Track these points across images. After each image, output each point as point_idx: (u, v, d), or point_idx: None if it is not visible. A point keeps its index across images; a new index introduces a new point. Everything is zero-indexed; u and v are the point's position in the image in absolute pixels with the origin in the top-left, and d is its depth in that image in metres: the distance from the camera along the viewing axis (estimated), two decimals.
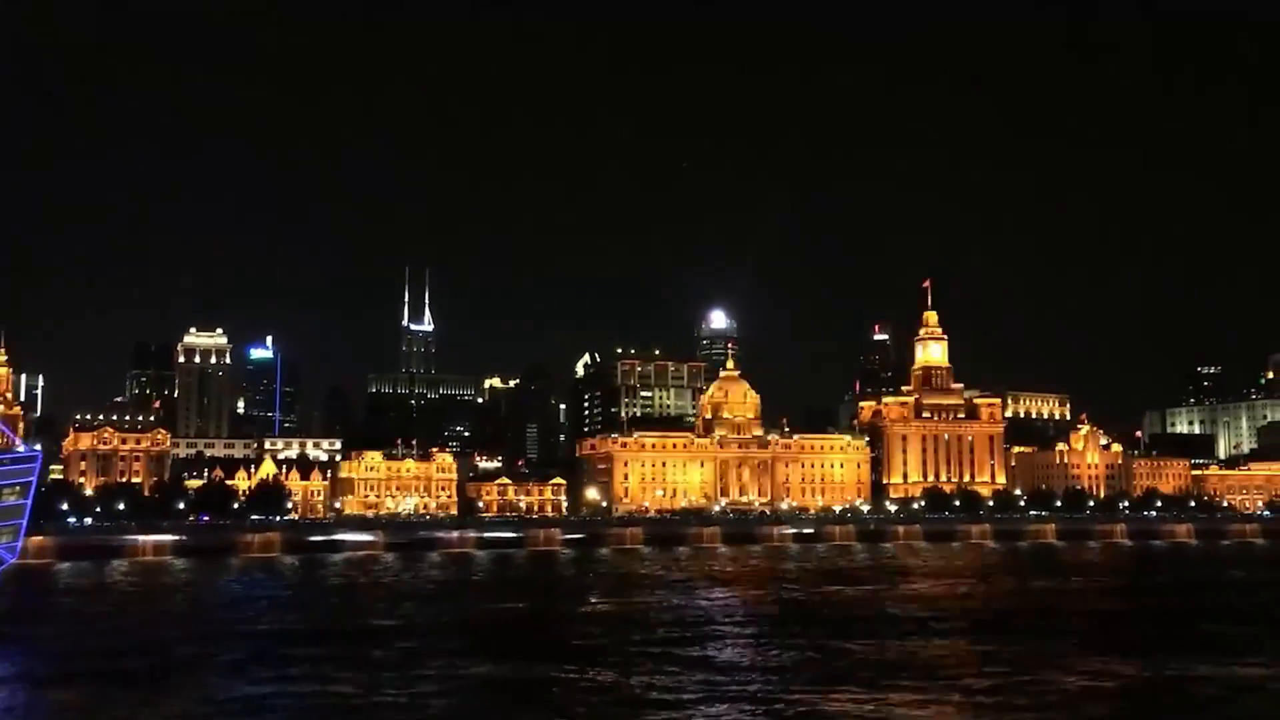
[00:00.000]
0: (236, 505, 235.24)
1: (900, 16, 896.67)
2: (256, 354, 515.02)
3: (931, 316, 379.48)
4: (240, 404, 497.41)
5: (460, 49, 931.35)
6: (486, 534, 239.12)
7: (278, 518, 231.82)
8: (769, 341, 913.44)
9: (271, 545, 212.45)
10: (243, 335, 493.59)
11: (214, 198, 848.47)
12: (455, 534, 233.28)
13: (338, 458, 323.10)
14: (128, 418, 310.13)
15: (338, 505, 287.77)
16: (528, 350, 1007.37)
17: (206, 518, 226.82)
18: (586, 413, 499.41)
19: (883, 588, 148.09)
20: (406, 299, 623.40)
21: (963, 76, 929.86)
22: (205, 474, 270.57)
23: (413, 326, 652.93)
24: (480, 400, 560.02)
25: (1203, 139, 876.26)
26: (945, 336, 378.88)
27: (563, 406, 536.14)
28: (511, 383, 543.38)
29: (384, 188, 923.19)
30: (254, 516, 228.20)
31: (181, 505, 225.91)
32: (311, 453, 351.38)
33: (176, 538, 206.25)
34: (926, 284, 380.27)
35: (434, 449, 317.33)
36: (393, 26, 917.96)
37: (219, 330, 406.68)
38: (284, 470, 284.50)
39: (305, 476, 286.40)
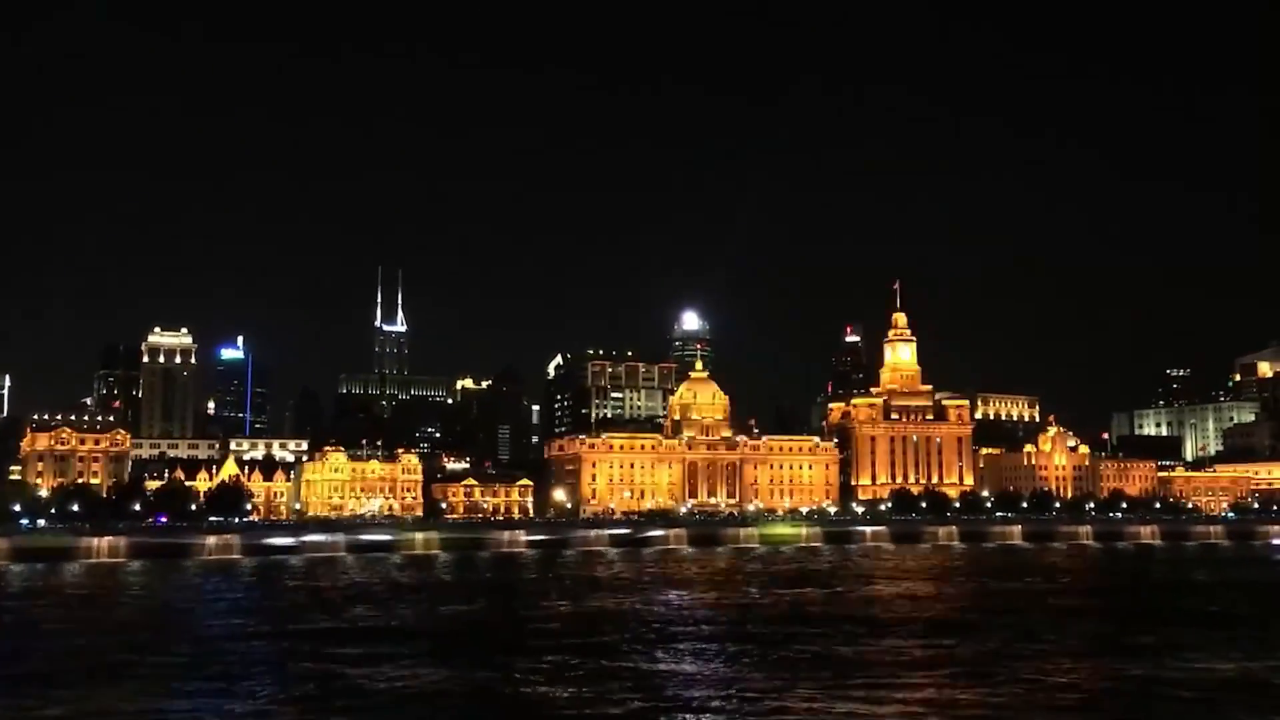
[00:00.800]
0: (195, 507, 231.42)
1: (862, 20, 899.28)
2: (227, 354, 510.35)
3: (900, 318, 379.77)
4: (211, 405, 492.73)
5: (433, 53, 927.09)
6: (448, 535, 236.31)
7: (236, 519, 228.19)
8: (744, 343, 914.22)
9: (229, 548, 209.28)
10: (215, 336, 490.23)
11: (189, 198, 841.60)
12: (417, 536, 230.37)
13: (304, 459, 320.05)
14: (86, 418, 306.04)
15: (298, 507, 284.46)
16: (502, 352, 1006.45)
17: (164, 519, 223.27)
18: (558, 414, 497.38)
19: (842, 590, 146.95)
20: (379, 300, 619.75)
21: (931, 82, 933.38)
22: (166, 475, 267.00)
23: (385, 327, 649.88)
24: (451, 401, 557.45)
25: (1171, 139, 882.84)
26: (914, 338, 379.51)
27: (535, 408, 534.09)
28: (484, 384, 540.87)
29: (359, 188, 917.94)
30: (211, 518, 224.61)
31: (137, 506, 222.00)
32: (278, 454, 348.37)
33: (131, 540, 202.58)
34: (895, 285, 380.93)
35: (400, 450, 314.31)
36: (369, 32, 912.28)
37: (184, 330, 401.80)
38: (246, 471, 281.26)
39: (268, 478, 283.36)
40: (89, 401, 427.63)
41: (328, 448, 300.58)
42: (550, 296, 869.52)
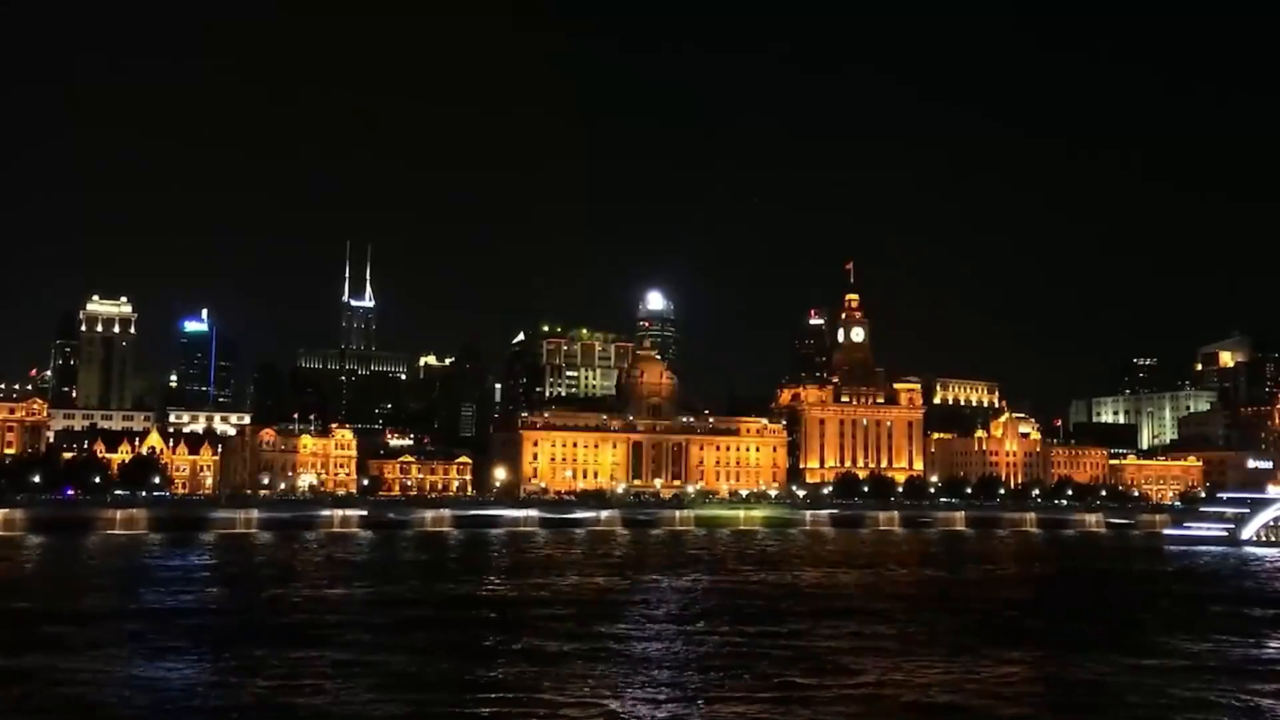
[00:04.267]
0: (101, 479, 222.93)
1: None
2: (191, 327, 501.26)
3: (853, 299, 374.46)
4: (173, 377, 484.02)
5: (401, 33, 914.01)
6: (370, 513, 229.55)
7: (144, 493, 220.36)
8: (711, 325, 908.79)
9: (135, 522, 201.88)
10: (180, 308, 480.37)
11: (162, 173, 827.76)
12: (337, 513, 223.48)
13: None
14: (16, 388, 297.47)
15: (220, 482, 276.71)
16: (473, 329, 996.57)
17: (70, 492, 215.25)
18: (516, 392, 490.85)
19: (758, 573, 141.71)
20: (347, 274, 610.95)
21: (900, 62, 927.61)
22: (87, 447, 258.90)
23: (353, 302, 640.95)
24: (409, 378, 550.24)
25: (1136, 125, 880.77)
26: (866, 319, 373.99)
27: (499, 386, 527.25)
28: (447, 360, 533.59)
29: (329, 164, 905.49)
30: (119, 492, 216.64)
31: (38, 478, 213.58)
32: (219, 427, 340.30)
33: (29, 513, 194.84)
34: (849, 265, 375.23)
35: (334, 425, 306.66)
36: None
37: (123, 299, 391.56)
38: (172, 445, 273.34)
39: (194, 451, 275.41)
40: (49, 373, 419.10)
41: (258, 422, 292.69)
42: (522, 275, 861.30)
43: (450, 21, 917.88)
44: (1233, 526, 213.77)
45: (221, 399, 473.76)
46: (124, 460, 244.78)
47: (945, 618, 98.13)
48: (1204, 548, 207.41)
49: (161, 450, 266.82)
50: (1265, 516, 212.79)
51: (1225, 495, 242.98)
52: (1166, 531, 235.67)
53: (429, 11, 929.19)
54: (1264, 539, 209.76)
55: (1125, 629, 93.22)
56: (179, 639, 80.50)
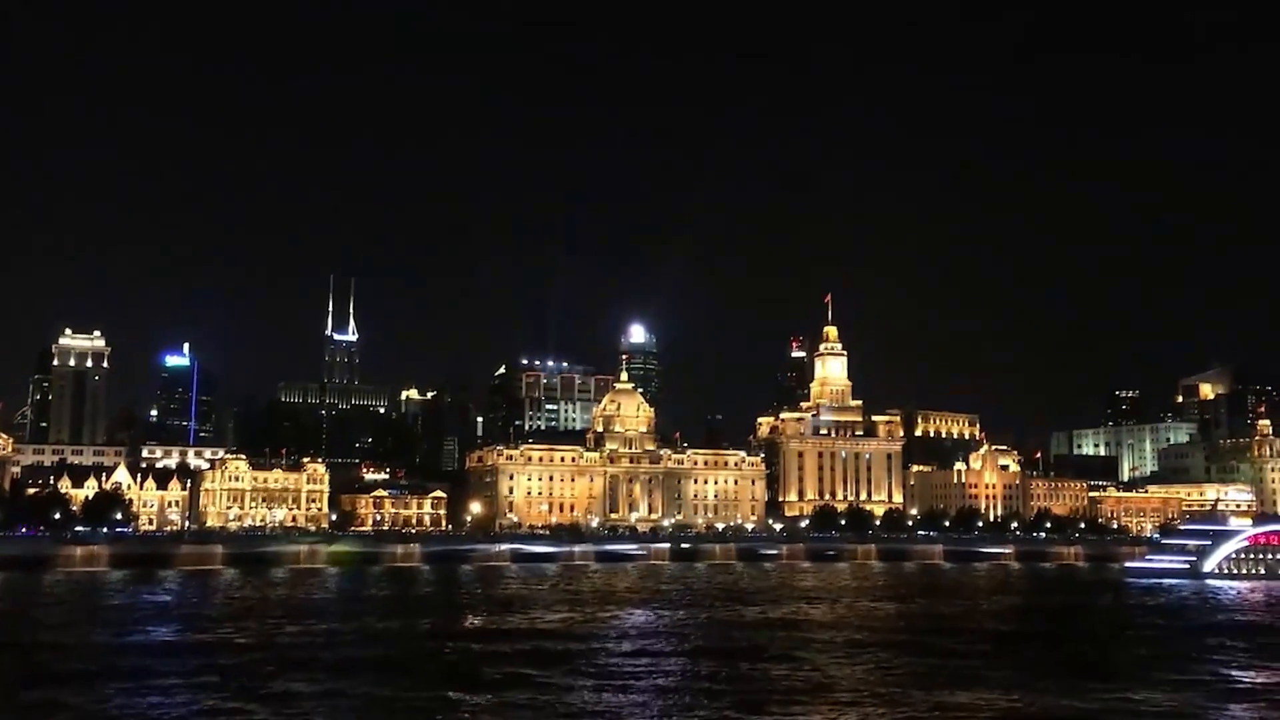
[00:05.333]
0: (62, 516, 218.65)
1: (813, 34, 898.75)
2: (172, 361, 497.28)
3: (831, 331, 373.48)
4: (154, 412, 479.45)
5: (384, 60, 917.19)
6: (340, 549, 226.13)
7: (105, 529, 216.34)
8: (695, 357, 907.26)
9: (96, 559, 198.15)
10: (161, 342, 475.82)
11: (142, 206, 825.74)
12: (302, 549, 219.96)
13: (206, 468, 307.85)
14: None
15: (187, 517, 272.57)
16: (457, 361, 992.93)
17: (26, 529, 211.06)
18: (498, 426, 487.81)
19: (726, 609, 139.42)
20: (330, 308, 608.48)
21: (887, 97, 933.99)
22: (53, 483, 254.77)
23: (336, 336, 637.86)
24: (394, 413, 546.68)
25: (1124, 152, 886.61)
26: (845, 352, 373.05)
27: (480, 419, 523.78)
28: (429, 394, 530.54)
29: (313, 196, 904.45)
30: (78, 528, 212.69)
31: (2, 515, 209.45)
32: (193, 462, 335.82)
33: None
34: (827, 299, 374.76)
35: (306, 459, 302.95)
36: (318, 32, 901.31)
37: (96, 332, 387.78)
38: (139, 480, 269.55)
39: (162, 486, 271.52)
40: (27, 408, 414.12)
41: (228, 456, 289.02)
42: (506, 308, 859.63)
43: (428, 52, 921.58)
44: (1194, 559, 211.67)
45: (203, 434, 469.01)
46: (88, 496, 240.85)
47: (903, 656, 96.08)
48: (1166, 581, 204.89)
49: (128, 486, 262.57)
50: (1227, 549, 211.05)
51: (1186, 528, 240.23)
52: (1129, 565, 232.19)
53: (416, 52, 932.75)
54: (1226, 571, 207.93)
55: (1083, 669, 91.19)
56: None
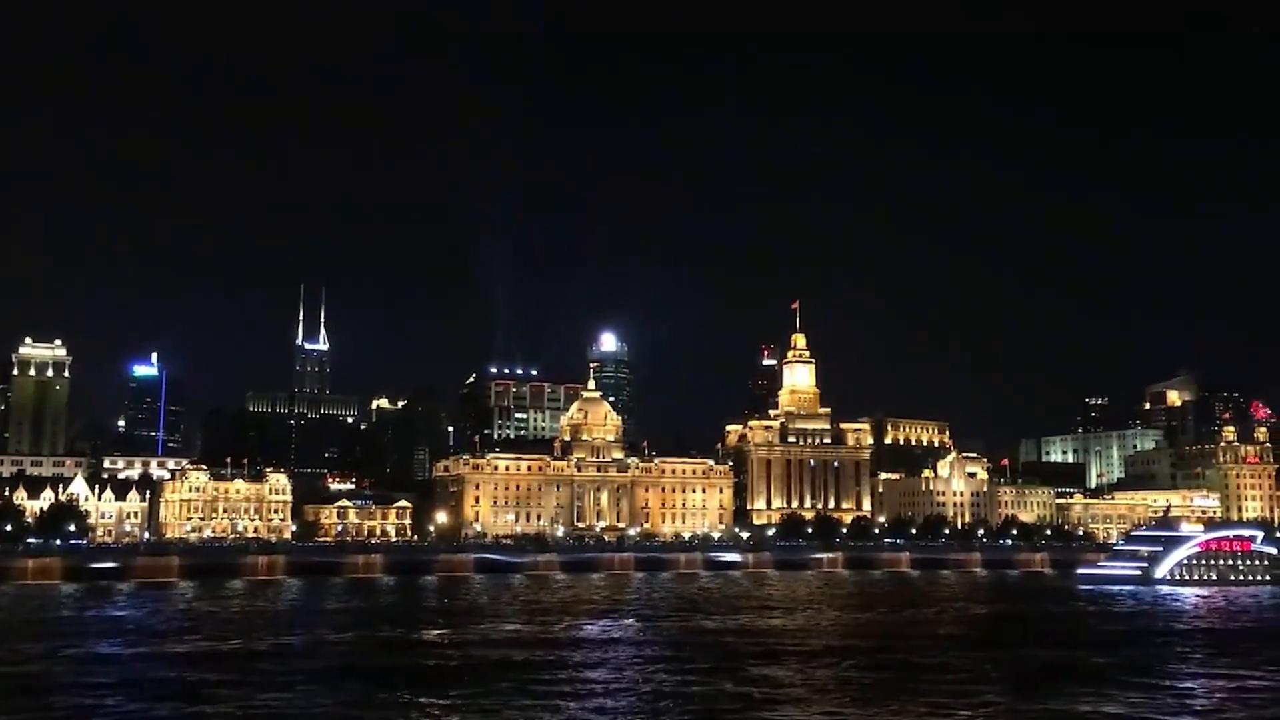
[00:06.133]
0: (15, 527, 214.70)
1: (780, 42, 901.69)
2: (141, 370, 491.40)
3: (799, 339, 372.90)
4: (121, 422, 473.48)
5: (353, 66, 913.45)
6: (298, 559, 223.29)
7: (59, 541, 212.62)
8: (666, 367, 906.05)
9: (49, 572, 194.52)
10: (130, 351, 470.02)
11: (111, 214, 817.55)
12: (260, 560, 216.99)
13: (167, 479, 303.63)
14: None
15: (146, 529, 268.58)
16: (429, 371, 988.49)
17: None
18: (467, 435, 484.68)
19: (687, 619, 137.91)
20: (301, 317, 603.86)
21: (854, 106, 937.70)
22: (8, 494, 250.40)
23: (307, 345, 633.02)
24: (364, 422, 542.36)
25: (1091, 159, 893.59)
26: (813, 360, 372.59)
27: (451, 429, 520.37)
28: (400, 403, 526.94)
29: (286, 205, 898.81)
30: (30, 540, 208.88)
31: None
32: (156, 472, 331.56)
33: None
34: (795, 306, 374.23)
35: (268, 469, 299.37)
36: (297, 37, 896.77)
37: (57, 341, 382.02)
38: (97, 491, 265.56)
39: (120, 497, 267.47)
40: None
41: (189, 466, 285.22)
42: (477, 317, 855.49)
43: (405, 60, 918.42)
44: (1146, 565, 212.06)
45: (172, 444, 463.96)
46: (43, 508, 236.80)
47: (856, 668, 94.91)
48: (1117, 588, 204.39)
49: (86, 498, 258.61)
50: (1178, 555, 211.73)
51: (1138, 534, 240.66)
52: (1081, 571, 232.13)
53: (385, 57, 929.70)
54: (1177, 578, 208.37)
55: (1029, 678, 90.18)
56: None
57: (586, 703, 74.42)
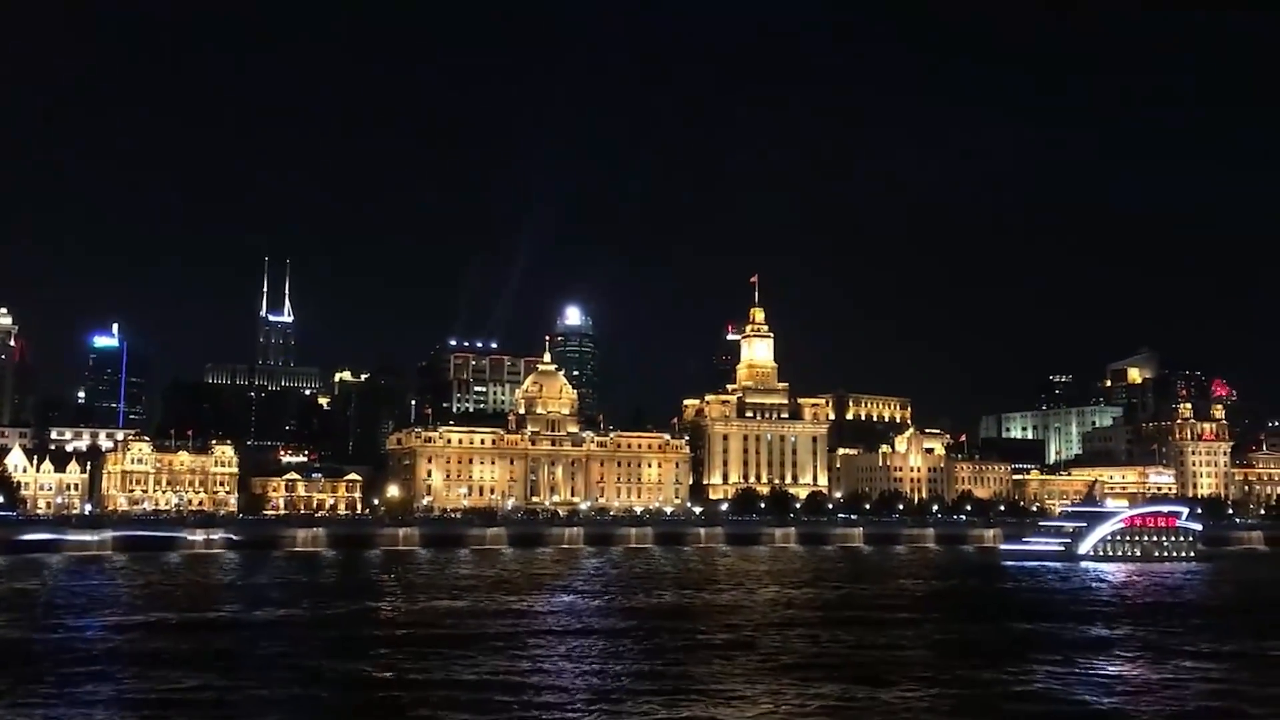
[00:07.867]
0: None
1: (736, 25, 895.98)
2: (101, 342, 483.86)
3: (758, 313, 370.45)
4: (81, 393, 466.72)
5: (323, 53, 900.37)
6: (236, 534, 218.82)
7: None
8: (632, 341, 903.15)
9: None
10: (91, 323, 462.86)
11: (78, 185, 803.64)
12: (197, 534, 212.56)
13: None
14: None
15: (88, 501, 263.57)
16: (393, 343, 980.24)
17: None
18: (426, 408, 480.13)
19: (630, 594, 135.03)
20: (265, 289, 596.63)
21: (826, 85, 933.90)
22: None
23: (271, 318, 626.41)
24: (327, 396, 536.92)
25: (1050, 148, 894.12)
26: (771, 334, 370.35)
27: (414, 402, 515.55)
28: (364, 376, 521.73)
29: (251, 177, 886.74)
30: None
31: None
32: (104, 444, 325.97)
33: None
34: (754, 280, 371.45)
35: (214, 441, 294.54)
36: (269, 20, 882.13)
37: (3, 310, 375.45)
38: (35, 462, 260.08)
39: (60, 469, 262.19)
40: None
41: (130, 438, 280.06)
42: (443, 290, 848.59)
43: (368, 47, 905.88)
44: (1069, 541, 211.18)
45: (133, 415, 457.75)
46: None
47: (780, 642, 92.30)
48: (1039, 563, 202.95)
49: (24, 469, 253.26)
50: (1102, 531, 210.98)
51: (1063, 509, 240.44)
52: (1003, 547, 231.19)
53: (351, 31, 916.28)
54: (1100, 554, 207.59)
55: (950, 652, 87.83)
56: None
57: (521, 682, 71.10)
